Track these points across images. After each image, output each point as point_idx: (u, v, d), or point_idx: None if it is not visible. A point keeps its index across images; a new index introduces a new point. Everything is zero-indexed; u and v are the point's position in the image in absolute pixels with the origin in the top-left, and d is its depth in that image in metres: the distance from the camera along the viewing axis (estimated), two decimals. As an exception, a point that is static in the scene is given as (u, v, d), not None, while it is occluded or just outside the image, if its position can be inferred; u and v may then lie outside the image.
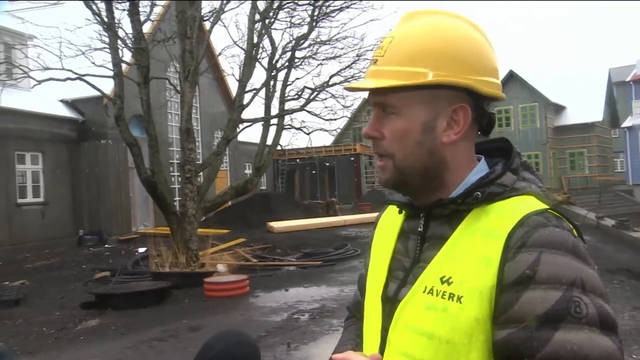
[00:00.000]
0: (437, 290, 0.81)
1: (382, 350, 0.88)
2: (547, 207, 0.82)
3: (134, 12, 9.86)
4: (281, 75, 11.91)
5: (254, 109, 13.08)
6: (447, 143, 0.86)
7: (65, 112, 15.41)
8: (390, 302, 0.89)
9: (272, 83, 11.74)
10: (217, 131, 21.03)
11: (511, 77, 27.86)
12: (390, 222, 1.00)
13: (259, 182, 25.44)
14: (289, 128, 12.32)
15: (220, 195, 11.98)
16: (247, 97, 11.26)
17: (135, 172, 10.38)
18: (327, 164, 28.40)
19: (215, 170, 11.00)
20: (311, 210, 20.83)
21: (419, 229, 0.90)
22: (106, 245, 14.63)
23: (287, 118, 12.24)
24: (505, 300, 0.75)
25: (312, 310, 6.53)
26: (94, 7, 9.68)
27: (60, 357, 5.04)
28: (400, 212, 0.97)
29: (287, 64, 11.77)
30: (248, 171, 23.61)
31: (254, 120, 11.68)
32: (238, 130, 11.77)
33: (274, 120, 11.94)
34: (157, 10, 11.63)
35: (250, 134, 19.58)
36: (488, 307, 0.76)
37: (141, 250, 12.16)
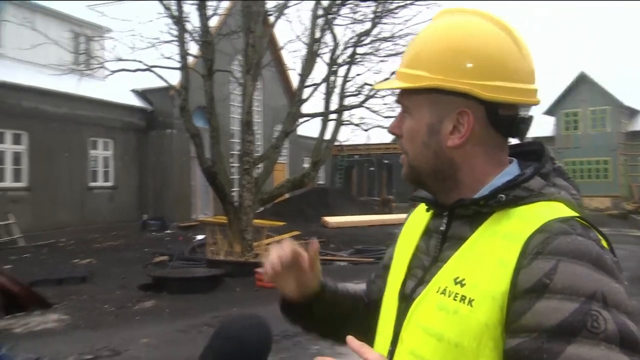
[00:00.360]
0: (449, 291, 0.80)
1: (393, 347, 0.89)
2: (574, 215, 0.79)
3: (201, 7, 10.17)
4: (342, 71, 11.92)
5: (314, 103, 13.11)
6: (452, 147, 0.85)
7: (135, 101, 16.16)
8: (406, 300, 0.89)
9: (332, 78, 11.77)
10: (278, 124, 21.34)
11: (582, 79, 26.54)
12: (418, 219, 1.01)
13: (317, 177, 25.63)
14: (348, 124, 12.31)
15: (277, 187, 12.18)
16: (307, 92, 11.37)
17: (197, 162, 10.72)
18: (386, 161, 28.18)
19: (272, 162, 11.18)
20: (367, 206, 20.77)
21: (441, 228, 0.90)
22: (167, 231, 15.26)
23: (346, 114, 12.24)
24: (518, 308, 0.73)
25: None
26: (165, 1, 10.07)
27: (117, 334, 5.32)
28: (427, 210, 0.97)
29: (348, 59, 11.76)
30: (306, 165, 23.83)
31: (312, 115, 11.77)
32: (297, 124, 11.89)
33: (333, 116, 11.98)
34: (224, 4, 11.92)
35: (310, 128, 19.74)
36: (499, 313, 0.75)
37: (199, 237, 12.59)
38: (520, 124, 0.87)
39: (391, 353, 0.89)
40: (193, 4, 10.34)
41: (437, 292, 0.82)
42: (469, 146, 0.86)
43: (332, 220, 16.35)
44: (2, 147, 12.55)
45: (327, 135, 12.02)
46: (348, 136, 13.02)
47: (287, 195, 18.29)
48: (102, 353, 4.68)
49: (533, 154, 0.92)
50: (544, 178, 0.85)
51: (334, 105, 11.90)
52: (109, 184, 15.52)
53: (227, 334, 1.15)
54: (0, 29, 13.15)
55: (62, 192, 13.83)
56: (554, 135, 27.97)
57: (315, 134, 12.31)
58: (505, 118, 0.85)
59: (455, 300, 0.79)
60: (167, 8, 10.05)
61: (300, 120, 12.07)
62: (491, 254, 0.78)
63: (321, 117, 11.88)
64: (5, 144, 12.64)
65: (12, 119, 12.59)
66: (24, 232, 12.48)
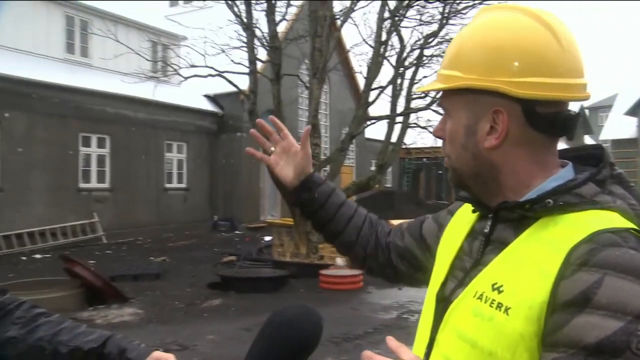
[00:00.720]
0: (486, 297, 0.77)
1: (429, 349, 0.88)
2: (630, 226, 0.73)
3: (270, 12, 10.43)
4: (409, 74, 11.78)
5: (381, 106, 13.04)
6: (490, 148, 0.83)
7: (207, 106, 16.79)
8: (444, 302, 0.88)
9: (399, 81, 11.66)
10: (345, 127, 21.41)
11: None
12: (464, 218, 0.98)
13: (384, 180, 25.45)
14: (414, 126, 12.15)
15: (342, 190, 12.17)
16: (373, 95, 11.33)
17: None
18: (455, 165, 27.50)
19: (338, 165, 11.24)
20: (435, 210, 20.01)
21: (485, 230, 0.86)
22: (236, 232, 15.73)
23: (412, 116, 12.09)
24: (556, 321, 0.69)
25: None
26: (235, 8, 10.41)
27: (186, 330, 5.55)
28: (474, 211, 0.94)
29: (415, 62, 11.61)
30: (374, 168, 23.73)
31: (378, 118, 11.72)
32: (363, 127, 11.88)
33: (399, 118, 11.87)
34: (292, 10, 12.15)
35: (377, 131, 19.64)
36: (536, 324, 0.71)
37: (267, 238, 12.87)
38: (564, 122, 0.81)
39: (427, 355, 0.88)
40: (262, 10, 10.63)
41: (474, 296, 0.79)
42: (508, 147, 0.82)
43: (398, 223, 16.16)
44: (88, 150, 13.46)
45: (394, 138, 11.93)
46: (415, 139, 12.82)
47: (353, 198, 18.30)
48: (171, 347, 4.91)
49: (592, 158, 0.86)
50: (599, 185, 0.79)
51: (400, 108, 11.79)
52: (183, 185, 16.22)
53: (279, 321, 1.20)
54: (87, 41, 14.13)
55: (140, 193, 14.62)
56: (636, 138, 26.14)
57: (383, 136, 12.24)
58: (545, 116, 0.80)
59: (492, 307, 0.76)
60: (238, 15, 10.39)
61: (367, 123, 12.05)
62: (532, 262, 0.74)
63: (387, 120, 11.80)
64: (91, 148, 13.54)
65: (97, 124, 13.49)
66: (106, 230, 13.32)
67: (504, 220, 0.84)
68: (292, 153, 1.21)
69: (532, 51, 0.79)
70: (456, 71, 0.83)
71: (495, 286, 0.77)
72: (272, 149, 1.22)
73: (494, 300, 0.76)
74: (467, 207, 0.98)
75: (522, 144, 0.82)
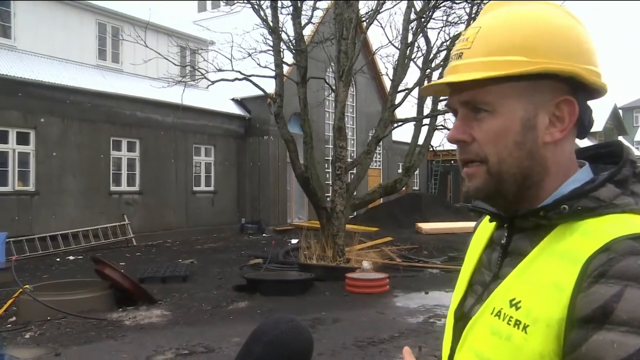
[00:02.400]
0: (504, 314, 0.72)
1: None
2: None
3: (296, 16, 10.48)
4: (435, 75, 11.66)
5: (407, 108, 12.94)
6: (550, 142, 0.74)
7: (235, 109, 16.97)
8: (463, 319, 0.82)
9: (425, 83, 11.55)
10: (372, 130, 21.34)
11: None
12: (483, 229, 0.91)
13: (412, 182, 25.24)
14: (442, 129, 12.01)
15: (369, 193, 12.17)
16: (400, 97, 11.26)
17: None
18: (485, 167, 27.14)
19: (364, 168, 11.19)
20: (462, 213, 20.03)
21: (503, 241, 0.80)
22: (264, 234, 15.82)
23: (439, 118, 11.96)
24: (574, 339, 0.63)
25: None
26: (261, 13, 10.50)
27: (212, 331, 5.60)
28: (491, 221, 0.87)
29: (442, 63, 11.49)
30: (401, 170, 23.58)
31: (405, 120, 11.63)
32: (389, 129, 11.81)
33: (426, 121, 11.75)
34: (318, 13, 12.17)
35: (404, 134, 19.50)
36: (555, 343, 0.65)
37: (294, 241, 12.91)
38: (592, 118, 0.78)
39: None
40: (288, 14, 10.69)
41: (492, 313, 0.74)
42: (564, 142, 0.76)
43: (425, 226, 16.00)
44: (119, 154, 13.75)
45: (421, 141, 11.83)
46: (442, 141, 12.67)
47: (380, 201, 18.21)
48: (197, 349, 4.95)
49: (612, 156, 0.79)
50: (620, 185, 0.72)
51: (427, 110, 11.68)
52: (211, 188, 16.41)
53: (268, 339, 1.13)
54: (118, 47, 14.46)
55: (169, 196, 14.86)
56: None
57: (410, 139, 12.14)
58: (588, 110, 0.76)
59: (509, 324, 0.70)
60: (264, 19, 10.47)
61: (393, 125, 11.98)
62: (548, 275, 0.69)
63: (414, 122, 11.70)
64: (122, 152, 13.83)
65: (127, 128, 13.78)
66: (135, 233, 13.57)
67: (520, 229, 0.78)
68: None
69: (585, 39, 0.75)
70: (517, 56, 0.72)
71: (513, 302, 0.71)
72: None
73: (511, 317, 0.71)
74: (486, 224, 0.92)
75: (569, 140, 0.77)
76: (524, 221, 0.76)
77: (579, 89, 0.74)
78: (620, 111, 37.32)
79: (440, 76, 11.70)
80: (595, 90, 0.76)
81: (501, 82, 0.73)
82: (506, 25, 0.75)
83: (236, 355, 1.14)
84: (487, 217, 0.91)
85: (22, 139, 11.68)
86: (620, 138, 33.82)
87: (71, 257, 11.31)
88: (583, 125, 0.77)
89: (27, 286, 6.37)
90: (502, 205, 0.81)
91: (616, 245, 0.65)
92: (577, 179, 0.76)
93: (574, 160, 0.78)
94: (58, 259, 11.05)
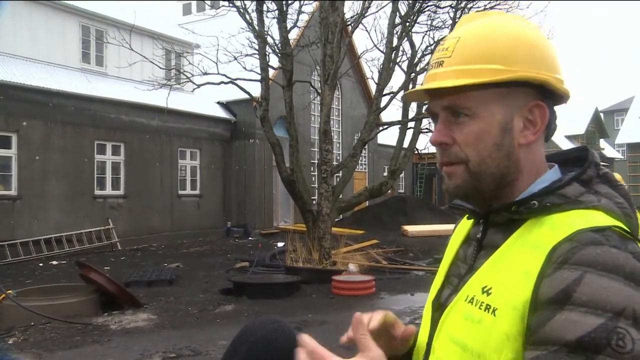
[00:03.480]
0: (476, 300, 0.79)
1: (426, 357, 0.89)
2: (613, 224, 0.74)
3: (281, 20, 10.51)
4: (420, 79, 11.77)
5: (393, 111, 13.07)
6: (524, 144, 0.82)
7: (220, 113, 16.93)
8: (440, 309, 0.89)
9: (410, 86, 11.65)
10: (357, 133, 21.44)
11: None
12: (462, 228, 1.00)
13: (398, 185, 25.37)
14: (427, 132, 12.12)
15: (355, 196, 12.23)
16: (385, 100, 11.34)
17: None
18: (469, 170, 27.39)
19: (350, 171, 11.25)
20: (448, 216, 20.22)
21: (478, 236, 0.88)
22: (250, 238, 15.79)
23: (424, 122, 12.06)
24: (538, 319, 0.70)
25: (436, 319, 6.39)
26: (247, 17, 10.51)
27: (198, 335, 5.58)
28: (469, 218, 0.96)
29: (426, 67, 11.59)
30: (386, 173, 23.70)
31: (390, 123, 11.73)
32: (374, 132, 11.89)
33: (411, 124, 11.86)
34: (303, 17, 12.22)
35: (389, 137, 19.63)
36: (520, 324, 0.72)
37: (280, 244, 12.91)
38: (555, 124, 0.86)
39: None
40: (274, 17, 10.72)
41: (466, 300, 0.81)
42: (535, 144, 0.83)
43: (411, 229, 16.12)
44: (103, 158, 13.63)
45: (406, 144, 11.92)
46: (427, 144, 12.79)
47: (366, 204, 18.29)
48: (184, 352, 4.94)
49: (579, 160, 0.87)
50: (584, 185, 0.80)
51: (412, 113, 11.78)
52: (196, 192, 16.34)
53: (254, 340, 1.16)
54: (102, 50, 14.36)
55: (155, 200, 14.76)
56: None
57: (395, 142, 12.23)
58: (555, 115, 0.85)
59: (481, 309, 0.77)
60: (249, 23, 10.48)
61: (379, 128, 12.06)
62: (518, 263, 0.75)
63: (399, 126, 11.80)
64: (106, 155, 13.72)
65: (112, 131, 13.68)
66: (120, 237, 13.46)
67: (494, 224, 0.85)
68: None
69: (552, 51, 0.83)
70: (496, 64, 0.79)
71: (485, 289, 0.78)
72: None
73: (482, 302, 0.77)
74: (465, 222, 1.00)
75: (539, 143, 0.84)
76: (498, 216, 0.84)
77: (548, 95, 0.82)
78: (602, 114, 37.94)
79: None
80: (560, 97, 0.84)
81: (481, 89, 0.80)
82: (485, 35, 0.82)
83: (223, 355, 1.16)
84: (466, 217, 0.99)
85: (4, 143, 11.53)
86: (602, 141, 34.36)
87: (55, 262, 11.18)
88: (549, 129, 0.85)
89: (9, 291, 6.29)
90: (479, 202, 0.88)
91: (579, 236, 0.71)
92: (546, 178, 0.84)
93: (544, 162, 0.86)
94: (41, 264, 10.92)
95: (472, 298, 0.80)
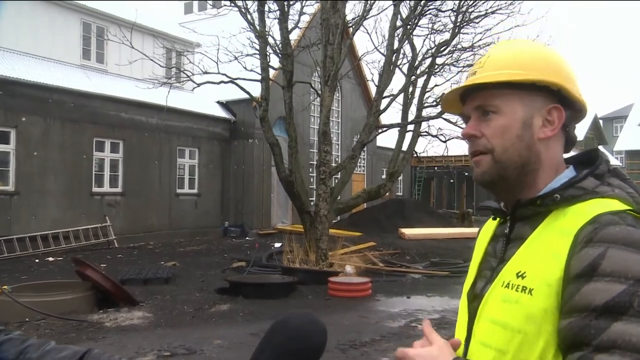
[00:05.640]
0: (512, 284, 0.89)
1: (467, 342, 0.98)
2: (628, 207, 0.86)
3: (283, 20, 10.53)
4: (420, 82, 11.80)
5: (392, 114, 13.08)
6: (543, 139, 0.95)
7: (220, 112, 16.93)
8: (476, 299, 0.99)
9: (410, 89, 11.68)
10: (357, 135, 21.45)
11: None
12: (486, 229, 1.11)
13: (396, 188, 25.39)
14: (426, 135, 12.14)
15: (353, 198, 12.24)
16: (385, 103, 11.36)
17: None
18: (466, 174, 27.40)
19: (349, 173, 11.26)
20: (445, 219, 20.25)
21: (506, 231, 0.99)
22: (247, 238, 15.78)
23: (424, 125, 12.08)
24: (569, 292, 0.81)
25: (431, 320, 6.38)
26: (248, 16, 10.52)
27: (193, 334, 5.58)
28: (494, 219, 1.08)
29: (427, 70, 11.62)
30: (385, 176, 23.71)
31: (389, 126, 11.75)
32: (373, 135, 11.90)
33: (411, 127, 11.87)
34: (304, 18, 12.24)
35: (389, 139, 19.65)
36: (555, 299, 0.83)
37: (277, 245, 12.90)
38: (575, 136, 1.00)
39: (466, 348, 0.98)
40: (275, 18, 10.73)
41: (502, 286, 0.91)
42: (553, 141, 0.96)
43: (408, 231, 16.12)
44: (102, 155, 13.62)
45: (405, 147, 11.93)
46: (426, 147, 12.81)
47: (364, 206, 18.31)
48: (178, 351, 4.94)
49: (590, 161, 1.00)
50: (598, 178, 0.92)
51: (411, 116, 11.80)
52: (194, 191, 16.33)
53: (288, 330, 1.20)
54: (103, 47, 14.36)
55: (152, 198, 14.74)
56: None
57: (394, 145, 12.24)
58: (572, 124, 0.99)
59: (517, 291, 0.87)
60: (250, 23, 10.49)
61: (378, 131, 12.08)
62: (547, 248, 0.87)
63: (399, 128, 11.81)
64: (105, 152, 13.70)
65: (112, 128, 13.66)
66: (117, 234, 13.44)
67: (521, 218, 0.96)
68: None
69: (569, 69, 0.98)
70: (518, 70, 0.94)
71: (519, 273, 0.89)
72: None
73: (518, 285, 0.88)
74: (489, 222, 1.12)
75: (558, 141, 0.98)
76: (525, 210, 0.95)
77: (565, 103, 0.95)
78: (601, 121, 38.03)
79: (426, 83, 11.84)
80: (578, 110, 0.98)
81: (505, 88, 0.95)
82: (510, 52, 0.99)
83: (257, 345, 1.19)
84: (489, 220, 1.13)
85: (2, 138, 11.51)
86: (600, 147, 34.44)
87: (51, 259, 11.17)
88: (569, 140, 0.99)
89: (5, 287, 6.28)
90: (503, 192, 1.00)
91: (600, 219, 0.84)
92: (564, 176, 0.97)
93: (563, 162, 1.00)
94: (37, 260, 10.90)
95: (508, 283, 0.90)
